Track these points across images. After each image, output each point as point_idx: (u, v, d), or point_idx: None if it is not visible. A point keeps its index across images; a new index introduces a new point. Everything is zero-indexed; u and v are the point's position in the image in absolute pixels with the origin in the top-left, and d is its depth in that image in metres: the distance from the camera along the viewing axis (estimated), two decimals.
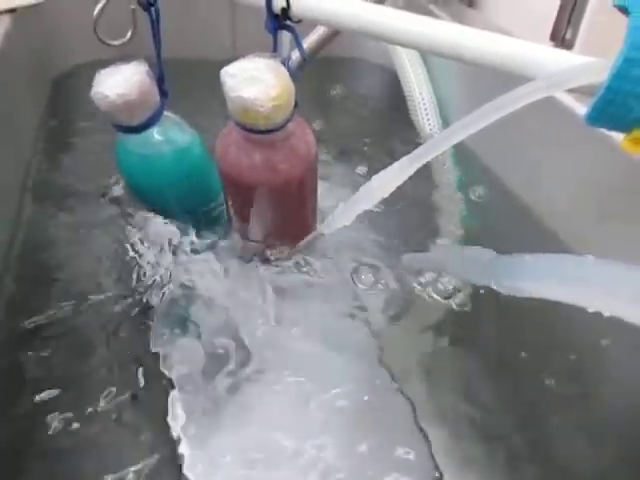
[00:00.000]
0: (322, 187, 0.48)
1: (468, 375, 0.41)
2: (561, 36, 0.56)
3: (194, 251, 0.48)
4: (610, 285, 0.28)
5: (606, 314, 0.28)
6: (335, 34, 0.64)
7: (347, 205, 0.36)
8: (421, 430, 0.37)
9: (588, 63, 0.26)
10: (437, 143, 0.31)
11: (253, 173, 0.41)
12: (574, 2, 0.54)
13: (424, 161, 0.32)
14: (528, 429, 0.38)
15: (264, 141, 0.40)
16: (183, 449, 0.35)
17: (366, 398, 0.39)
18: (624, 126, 0.25)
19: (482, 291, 0.43)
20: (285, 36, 0.39)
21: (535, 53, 0.29)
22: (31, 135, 0.63)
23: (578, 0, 0.54)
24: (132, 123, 0.42)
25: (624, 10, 0.23)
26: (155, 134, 0.44)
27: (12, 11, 0.58)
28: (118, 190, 0.54)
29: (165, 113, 0.44)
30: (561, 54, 0.29)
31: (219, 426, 0.36)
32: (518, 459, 0.36)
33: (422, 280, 0.47)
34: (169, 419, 0.36)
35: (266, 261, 0.48)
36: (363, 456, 0.36)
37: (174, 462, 0.34)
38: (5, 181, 0.52)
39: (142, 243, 0.49)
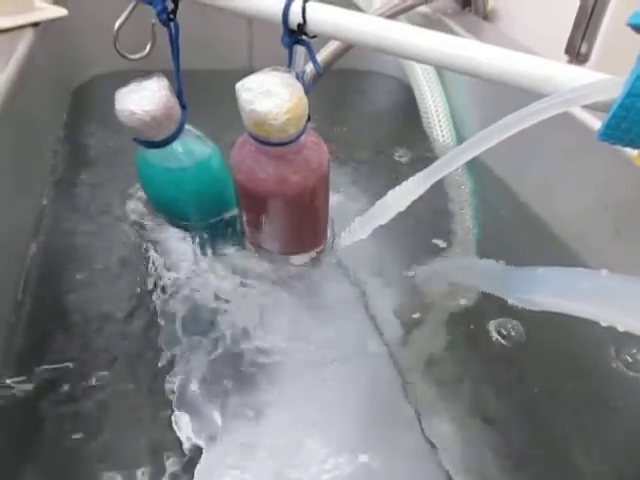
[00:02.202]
0: (336, 198, 0.48)
1: (479, 382, 0.41)
2: (576, 50, 0.56)
3: (208, 260, 0.49)
4: (625, 300, 0.28)
5: (620, 329, 0.28)
6: (348, 48, 0.65)
7: (363, 219, 0.36)
8: (428, 440, 0.37)
9: (602, 80, 0.27)
10: (452, 158, 0.31)
11: (266, 184, 0.42)
12: (589, 16, 0.54)
13: (439, 177, 0.32)
14: (539, 437, 0.38)
15: (277, 153, 0.40)
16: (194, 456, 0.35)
17: (381, 412, 0.39)
18: (637, 142, 0.25)
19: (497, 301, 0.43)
20: (299, 49, 0.39)
21: (549, 70, 0.29)
22: (52, 144, 0.64)
23: (594, 14, 0.54)
24: (157, 138, 0.43)
25: (637, 29, 0.23)
26: (176, 147, 0.45)
27: (35, 25, 0.60)
28: (136, 200, 0.55)
29: (185, 126, 0.45)
30: (575, 71, 0.29)
31: (231, 435, 0.37)
32: (526, 464, 0.36)
33: (435, 291, 0.47)
34: (179, 429, 0.37)
35: (280, 270, 0.48)
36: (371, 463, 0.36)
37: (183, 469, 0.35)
38: (26, 190, 0.53)
39: (157, 252, 0.50)
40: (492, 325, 0.45)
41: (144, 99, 0.40)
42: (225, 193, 0.49)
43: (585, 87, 0.27)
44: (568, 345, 0.44)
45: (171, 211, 0.51)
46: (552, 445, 0.38)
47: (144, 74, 0.42)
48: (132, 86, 0.41)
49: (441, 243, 0.53)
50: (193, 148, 0.46)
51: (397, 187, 0.34)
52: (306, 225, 0.47)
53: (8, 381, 0.38)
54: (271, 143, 0.39)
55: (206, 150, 0.47)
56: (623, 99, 0.24)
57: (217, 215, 0.52)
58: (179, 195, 0.48)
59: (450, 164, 0.31)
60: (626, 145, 0.26)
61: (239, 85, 0.37)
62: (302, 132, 0.39)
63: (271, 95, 0.36)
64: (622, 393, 0.41)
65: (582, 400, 0.40)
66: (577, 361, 0.43)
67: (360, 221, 0.36)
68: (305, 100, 0.38)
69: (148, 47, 0.47)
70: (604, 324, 0.29)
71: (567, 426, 0.39)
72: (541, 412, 0.40)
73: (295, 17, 0.36)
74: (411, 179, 0.33)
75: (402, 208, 0.34)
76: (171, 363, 0.41)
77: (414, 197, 0.33)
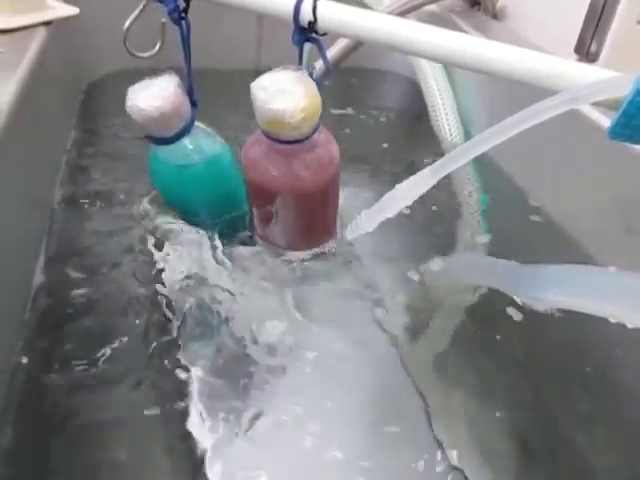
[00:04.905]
0: (343, 195, 0.49)
1: (487, 380, 0.41)
2: (586, 49, 0.56)
3: (218, 256, 0.49)
4: (633, 297, 0.28)
5: (629, 326, 0.28)
6: (357, 46, 0.65)
7: (370, 212, 0.37)
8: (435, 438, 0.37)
9: (612, 78, 0.27)
10: (461, 154, 0.31)
11: (278, 182, 0.42)
12: (599, 15, 0.54)
13: (447, 171, 0.32)
14: (546, 434, 0.38)
15: (291, 151, 0.41)
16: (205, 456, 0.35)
17: (385, 401, 0.39)
18: None
19: (503, 299, 0.43)
20: (306, 47, 0.39)
21: (559, 67, 0.29)
22: (64, 142, 0.65)
23: (604, 13, 0.54)
24: (166, 134, 0.43)
25: None
26: (187, 144, 0.45)
27: (47, 24, 0.60)
28: (148, 199, 0.55)
29: (196, 123, 0.45)
30: (585, 68, 0.29)
31: (242, 432, 0.37)
32: (536, 462, 0.37)
33: (444, 289, 0.47)
34: (190, 426, 0.37)
35: (289, 266, 0.48)
36: (381, 459, 0.36)
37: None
38: (37, 188, 0.54)
39: (169, 250, 0.50)
40: (501, 322, 0.45)
41: (153, 95, 0.41)
42: (236, 191, 0.49)
43: (594, 84, 0.27)
44: (580, 342, 0.44)
45: (182, 208, 0.52)
46: (559, 443, 0.38)
47: (155, 72, 0.43)
48: (143, 83, 0.42)
49: (450, 241, 0.53)
50: (203, 145, 0.46)
51: (404, 181, 0.34)
52: (316, 221, 0.48)
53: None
54: (285, 141, 0.39)
55: (216, 148, 0.48)
56: (633, 96, 0.24)
57: (228, 212, 0.52)
58: (189, 192, 0.48)
59: (458, 159, 0.31)
60: (636, 143, 0.26)
61: (254, 84, 0.37)
62: (315, 129, 0.40)
63: (286, 93, 0.37)
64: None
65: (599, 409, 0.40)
66: (591, 359, 0.43)
67: (367, 214, 0.37)
68: (319, 98, 0.38)
69: (157, 46, 0.47)
70: (613, 321, 0.29)
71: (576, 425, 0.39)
72: (552, 410, 0.40)
73: (306, 15, 0.36)
74: (419, 173, 0.33)
75: (409, 202, 0.34)
76: (181, 360, 0.41)
77: (421, 192, 0.33)
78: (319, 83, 0.39)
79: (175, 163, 0.46)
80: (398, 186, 0.34)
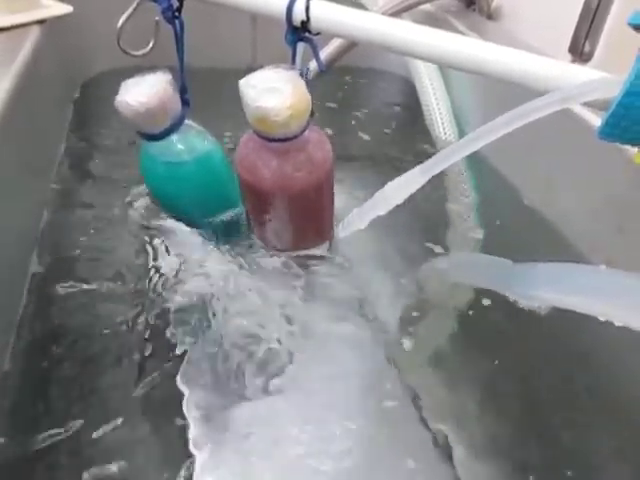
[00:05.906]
0: (338, 196, 0.49)
1: (483, 380, 0.42)
2: (579, 49, 0.56)
3: (214, 257, 0.49)
4: (622, 295, 0.29)
5: (617, 324, 0.28)
6: (352, 46, 0.65)
7: (361, 210, 0.37)
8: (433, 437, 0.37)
9: (601, 79, 0.27)
10: (451, 152, 0.31)
11: (271, 180, 0.42)
12: (593, 15, 0.54)
13: (438, 170, 0.32)
14: (545, 434, 0.38)
15: (281, 149, 0.41)
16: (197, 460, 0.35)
17: (381, 407, 0.39)
18: (637, 141, 0.26)
19: (497, 298, 0.43)
20: (300, 46, 0.39)
21: (551, 68, 0.30)
22: (57, 139, 0.65)
23: (597, 13, 0.54)
24: (154, 131, 0.43)
25: (638, 28, 0.23)
26: (177, 142, 0.45)
27: (41, 22, 0.60)
28: (141, 196, 0.56)
29: (187, 122, 0.45)
30: (577, 69, 0.29)
31: (233, 433, 0.37)
32: (533, 462, 0.37)
33: (436, 288, 0.48)
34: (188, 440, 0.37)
35: (284, 267, 0.49)
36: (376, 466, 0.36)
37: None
38: (31, 186, 0.54)
39: (163, 249, 0.50)
40: (495, 321, 0.45)
41: (141, 91, 0.41)
42: (227, 190, 0.49)
43: (585, 85, 0.27)
44: (578, 341, 0.44)
45: (172, 205, 0.52)
46: (558, 443, 0.38)
47: (149, 70, 0.43)
48: (136, 79, 0.42)
49: (443, 240, 0.53)
50: (194, 143, 0.46)
51: (396, 179, 0.34)
52: (310, 221, 0.48)
53: None
54: (274, 139, 0.39)
55: (207, 146, 0.47)
56: (622, 97, 0.24)
57: (220, 212, 0.52)
58: (179, 190, 0.48)
59: (448, 158, 0.32)
60: (626, 143, 0.27)
61: (243, 82, 0.38)
62: (305, 128, 0.40)
63: (274, 92, 0.37)
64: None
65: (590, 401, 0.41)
66: (588, 358, 0.43)
67: (358, 212, 0.37)
68: (308, 96, 0.38)
69: (151, 44, 0.47)
70: (602, 319, 0.29)
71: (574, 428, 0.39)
72: (550, 410, 0.40)
73: (299, 14, 0.36)
74: (410, 171, 0.33)
75: (400, 201, 0.34)
76: (176, 359, 0.41)
77: (412, 190, 0.34)
78: (312, 83, 0.39)
79: (165, 160, 0.46)
80: (389, 184, 0.35)
